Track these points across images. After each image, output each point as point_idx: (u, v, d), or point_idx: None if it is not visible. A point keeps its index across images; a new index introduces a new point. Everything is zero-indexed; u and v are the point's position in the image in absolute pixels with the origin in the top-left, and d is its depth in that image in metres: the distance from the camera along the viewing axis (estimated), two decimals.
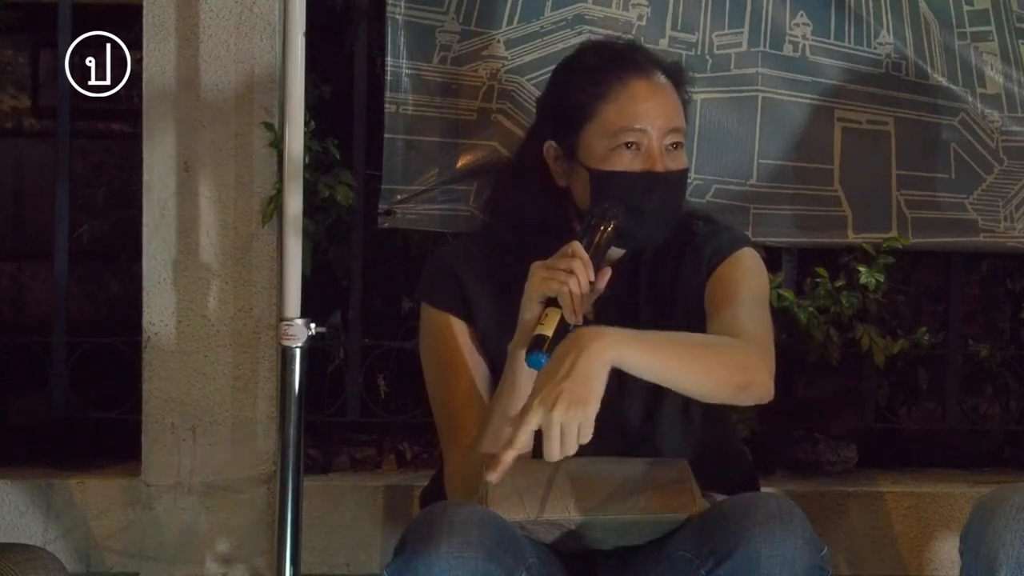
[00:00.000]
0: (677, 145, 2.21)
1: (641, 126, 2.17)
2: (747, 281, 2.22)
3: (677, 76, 2.26)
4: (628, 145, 2.17)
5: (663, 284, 2.26)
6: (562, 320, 2.01)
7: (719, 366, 2.02)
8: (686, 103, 2.27)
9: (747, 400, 2.05)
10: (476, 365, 2.22)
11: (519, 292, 2.09)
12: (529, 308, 2.05)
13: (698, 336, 2.10)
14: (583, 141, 2.20)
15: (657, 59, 2.28)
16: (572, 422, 1.90)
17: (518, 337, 2.07)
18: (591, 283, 2.04)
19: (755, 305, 2.19)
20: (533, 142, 2.31)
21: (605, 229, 2.09)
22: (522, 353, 2.03)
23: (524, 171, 2.31)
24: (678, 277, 2.25)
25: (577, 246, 2.05)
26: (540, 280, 2.03)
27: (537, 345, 1.99)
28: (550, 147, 2.25)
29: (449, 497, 2.17)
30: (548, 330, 1.99)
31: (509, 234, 2.26)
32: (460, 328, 2.24)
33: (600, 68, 2.23)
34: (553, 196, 2.25)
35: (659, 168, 2.17)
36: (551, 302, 2.02)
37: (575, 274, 2.02)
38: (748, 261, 2.26)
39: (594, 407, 1.91)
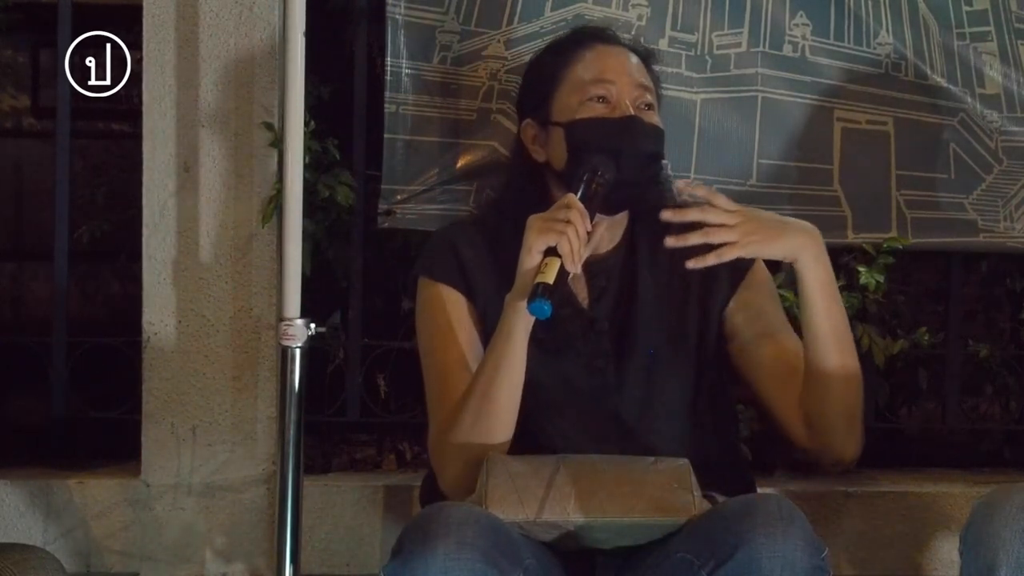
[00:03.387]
0: (649, 107, 2.26)
1: (608, 77, 2.24)
2: (773, 304, 2.34)
3: (645, 55, 2.33)
4: (599, 99, 2.23)
5: (665, 282, 2.27)
6: (562, 268, 2.03)
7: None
8: (656, 83, 2.32)
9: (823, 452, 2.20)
10: (471, 336, 2.24)
11: (514, 276, 2.11)
12: (529, 259, 2.07)
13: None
14: (556, 104, 2.26)
15: (622, 39, 2.36)
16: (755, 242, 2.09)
17: (517, 288, 2.09)
18: (587, 233, 2.08)
19: (785, 321, 2.33)
20: (517, 137, 2.36)
21: (596, 179, 2.14)
22: (520, 304, 2.06)
23: (510, 161, 2.40)
24: (685, 283, 2.27)
25: (572, 197, 2.10)
26: (539, 231, 2.06)
27: (539, 292, 2.01)
28: (527, 125, 2.31)
29: (433, 462, 2.19)
30: (549, 278, 2.02)
31: (498, 220, 2.29)
32: (458, 300, 2.26)
33: (565, 42, 2.34)
34: (536, 177, 2.30)
35: (630, 111, 2.22)
36: (549, 252, 2.05)
37: (573, 223, 2.05)
38: (763, 286, 2.34)
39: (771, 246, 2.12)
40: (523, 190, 2.30)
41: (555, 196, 2.25)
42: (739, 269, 2.28)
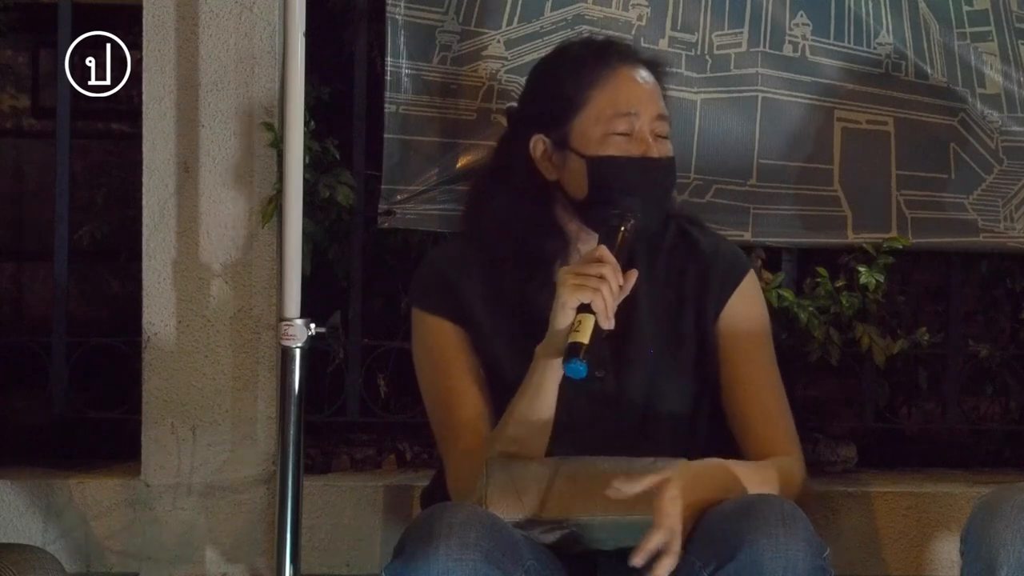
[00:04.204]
0: (664, 136, 2.25)
1: (633, 110, 2.21)
2: (761, 334, 2.29)
3: (656, 69, 2.31)
4: (621, 133, 2.20)
5: (660, 287, 2.27)
6: (596, 325, 2.02)
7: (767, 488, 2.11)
8: (665, 97, 2.30)
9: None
10: (471, 368, 2.23)
11: (513, 294, 2.10)
12: (563, 316, 2.05)
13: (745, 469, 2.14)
14: (575, 129, 2.22)
15: (637, 52, 2.34)
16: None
17: (549, 343, 2.07)
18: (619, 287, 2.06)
19: (770, 361, 2.29)
20: (514, 142, 2.31)
21: (625, 230, 2.12)
22: (552, 361, 2.05)
23: (506, 171, 2.32)
24: (679, 287, 2.27)
25: (604, 251, 2.07)
26: (573, 287, 2.04)
27: (574, 352, 2.00)
28: (538, 140, 2.26)
29: (453, 500, 2.17)
30: (584, 337, 2.01)
31: (499, 237, 2.26)
32: (453, 332, 2.25)
33: (586, 59, 2.28)
34: (540, 191, 2.27)
35: (653, 153, 2.21)
36: (582, 308, 2.03)
37: (607, 280, 2.03)
38: (754, 300, 2.32)
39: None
40: (529, 209, 2.26)
41: (563, 218, 2.25)
42: (733, 276, 2.29)
